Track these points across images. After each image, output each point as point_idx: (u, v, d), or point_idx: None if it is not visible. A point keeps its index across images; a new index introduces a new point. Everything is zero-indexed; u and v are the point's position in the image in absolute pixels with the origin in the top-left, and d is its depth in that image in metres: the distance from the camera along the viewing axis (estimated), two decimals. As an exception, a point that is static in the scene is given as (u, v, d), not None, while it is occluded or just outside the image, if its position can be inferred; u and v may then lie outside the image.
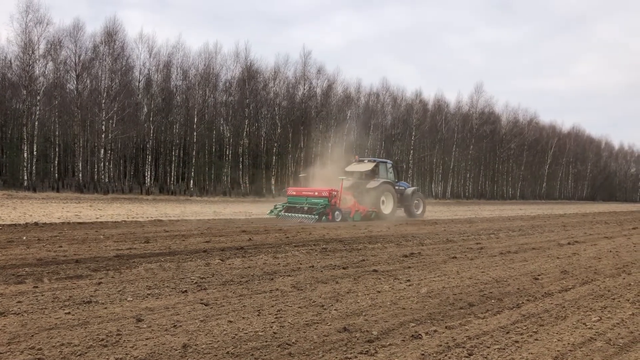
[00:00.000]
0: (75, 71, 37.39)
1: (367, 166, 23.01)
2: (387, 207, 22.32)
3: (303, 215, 19.53)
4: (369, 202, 21.39)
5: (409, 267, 8.76)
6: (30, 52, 34.76)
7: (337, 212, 19.51)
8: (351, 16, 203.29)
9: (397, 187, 23.57)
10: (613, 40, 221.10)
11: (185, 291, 6.33)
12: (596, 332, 5.16)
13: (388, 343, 4.60)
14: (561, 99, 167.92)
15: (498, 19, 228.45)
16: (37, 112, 35.21)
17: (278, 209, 21.12)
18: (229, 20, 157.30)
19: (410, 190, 24.44)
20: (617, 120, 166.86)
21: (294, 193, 21.55)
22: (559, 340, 4.86)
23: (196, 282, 6.87)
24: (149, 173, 41.53)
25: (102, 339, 4.42)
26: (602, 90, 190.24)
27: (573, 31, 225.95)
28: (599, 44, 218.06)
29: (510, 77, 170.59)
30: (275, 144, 46.47)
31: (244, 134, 45.10)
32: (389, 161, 24.66)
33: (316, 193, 20.38)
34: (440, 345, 4.58)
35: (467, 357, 4.33)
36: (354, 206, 20.58)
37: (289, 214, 20.22)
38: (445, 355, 4.36)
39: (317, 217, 18.81)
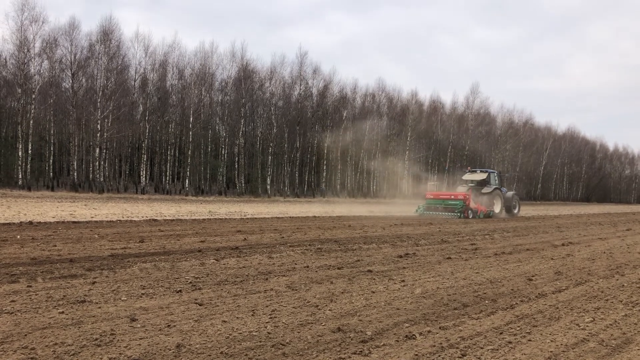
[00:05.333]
0: (71, 70, 37.28)
1: (482, 175, 29.51)
2: (497, 207, 28.30)
3: (446, 213, 25.33)
4: (485, 204, 27.18)
5: (404, 268, 8.77)
6: (26, 50, 34.65)
7: (469, 211, 25.07)
8: (346, 16, 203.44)
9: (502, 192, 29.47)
10: (605, 41, 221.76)
11: (180, 291, 6.32)
12: (589, 333, 5.19)
13: (382, 343, 4.61)
14: (555, 100, 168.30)
15: (491, 20, 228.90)
16: (32, 111, 35.07)
17: (421, 209, 26.94)
18: (225, 19, 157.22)
19: (510, 194, 30.40)
20: (610, 121, 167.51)
21: (432, 196, 27.44)
22: (552, 341, 4.88)
23: (191, 282, 6.86)
24: (144, 172, 41.43)
25: (96, 339, 4.41)
26: (595, 91, 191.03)
27: (566, 32, 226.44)
28: (591, 45, 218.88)
29: (504, 77, 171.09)
30: (271, 144, 46.44)
31: (240, 134, 45.05)
32: (495, 171, 31.13)
33: (452, 196, 26.32)
34: (434, 346, 4.59)
35: (460, 357, 4.35)
36: (479, 206, 26.15)
37: (430, 212, 26.14)
38: (439, 355, 4.37)
39: (459, 214, 24.72)
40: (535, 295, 6.90)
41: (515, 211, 30.25)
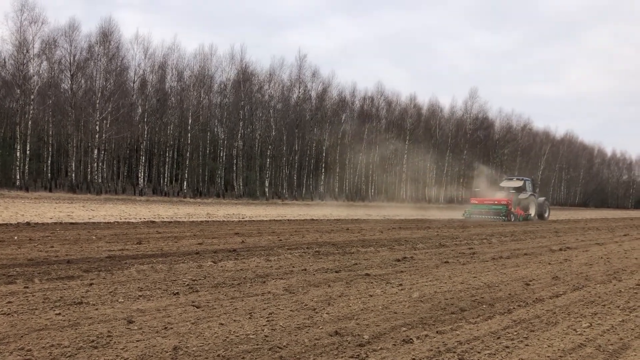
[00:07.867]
0: (70, 71, 37.27)
1: (518, 183, 32.32)
2: (532, 211, 31.25)
3: (491, 216, 28.19)
4: (523, 208, 29.83)
5: (401, 272, 8.77)
6: (25, 51, 34.64)
7: (511, 215, 27.88)
8: (345, 20, 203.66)
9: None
10: (604, 47, 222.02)
11: (177, 293, 6.31)
12: (586, 338, 5.19)
13: (379, 347, 4.61)
14: (553, 105, 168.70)
15: (490, 25, 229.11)
16: (31, 112, 35.05)
17: (467, 213, 29.47)
18: (225, 22, 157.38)
19: (541, 199, 33.35)
20: (608, 127, 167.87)
21: (477, 202, 30.54)
22: (549, 346, 4.88)
23: (188, 284, 6.85)
24: (142, 174, 41.38)
25: (93, 341, 4.39)
26: (594, 96, 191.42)
27: (564, 37, 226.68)
28: (590, 50, 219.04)
29: (503, 82, 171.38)
30: (270, 147, 46.44)
31: (238, 136, 45.06)
32: (529, 178, 34.03)
33: (496, 202, 29.06)
34: (431, 350, 4.59)
35: (457, 362, 4.34)
36: (518, 210, 28.81)
37: (475, 215, 28.77)
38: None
39: (504, 217, 27.59)
40: (532, 300, 6.90)
41: (546, 215, 33.09)
